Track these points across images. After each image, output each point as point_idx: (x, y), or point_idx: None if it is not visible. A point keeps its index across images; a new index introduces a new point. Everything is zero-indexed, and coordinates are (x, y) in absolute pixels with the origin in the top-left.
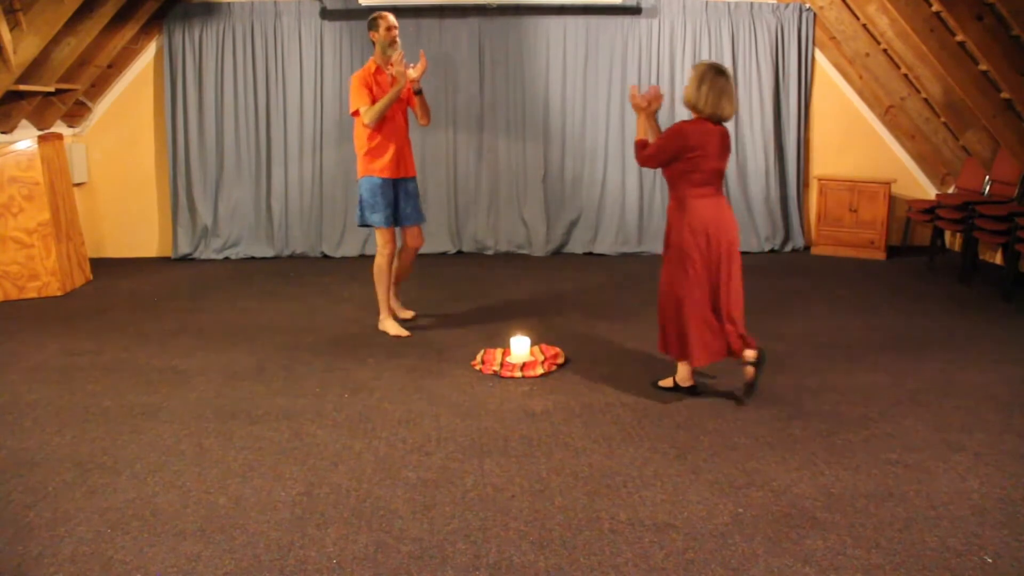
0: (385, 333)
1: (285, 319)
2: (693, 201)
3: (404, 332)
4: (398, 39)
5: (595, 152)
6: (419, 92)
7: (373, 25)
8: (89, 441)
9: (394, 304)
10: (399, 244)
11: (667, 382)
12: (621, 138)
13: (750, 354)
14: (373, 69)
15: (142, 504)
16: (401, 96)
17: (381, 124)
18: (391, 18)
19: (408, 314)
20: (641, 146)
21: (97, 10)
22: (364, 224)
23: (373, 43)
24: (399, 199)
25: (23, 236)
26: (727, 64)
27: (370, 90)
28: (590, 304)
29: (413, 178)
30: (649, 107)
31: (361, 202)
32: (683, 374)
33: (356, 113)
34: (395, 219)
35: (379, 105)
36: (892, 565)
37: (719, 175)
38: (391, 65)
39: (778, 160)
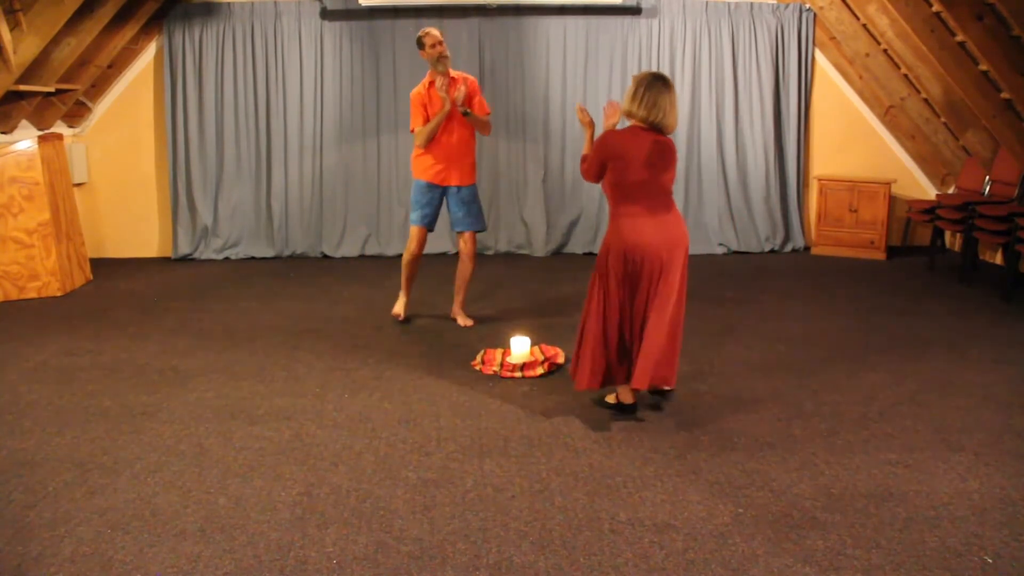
0: (397, 317)
1: (285, 319)
2: (618, 220)
3: (400, 314)
4: (447, 52)
5: None
6: (466, 114)
7: (420, 44)
8: (89, 441)
9: (456, 309)
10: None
11: (611, 398)
12: None
13: (631, 393)
14: (428, 84)
15: (142, 504)
16: (455, 106)
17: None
18: (435, 33)
19: (468, 322)
20: (583, 160)
21: (97, 10)
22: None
23: (426, 61)
24: (450, 206)
25: (23, 236)
26: (727, 64)
27: (424, 107)
28: None
29: (469, 186)
30: (608, 121)
31: (412, 200)
32: (622, 391)
33: (414, 130)
34: (432, 223)
35: (426, 131)
36: (892, 565)
37: (652, 189)
38: (436, 87)
39: (778, 160)
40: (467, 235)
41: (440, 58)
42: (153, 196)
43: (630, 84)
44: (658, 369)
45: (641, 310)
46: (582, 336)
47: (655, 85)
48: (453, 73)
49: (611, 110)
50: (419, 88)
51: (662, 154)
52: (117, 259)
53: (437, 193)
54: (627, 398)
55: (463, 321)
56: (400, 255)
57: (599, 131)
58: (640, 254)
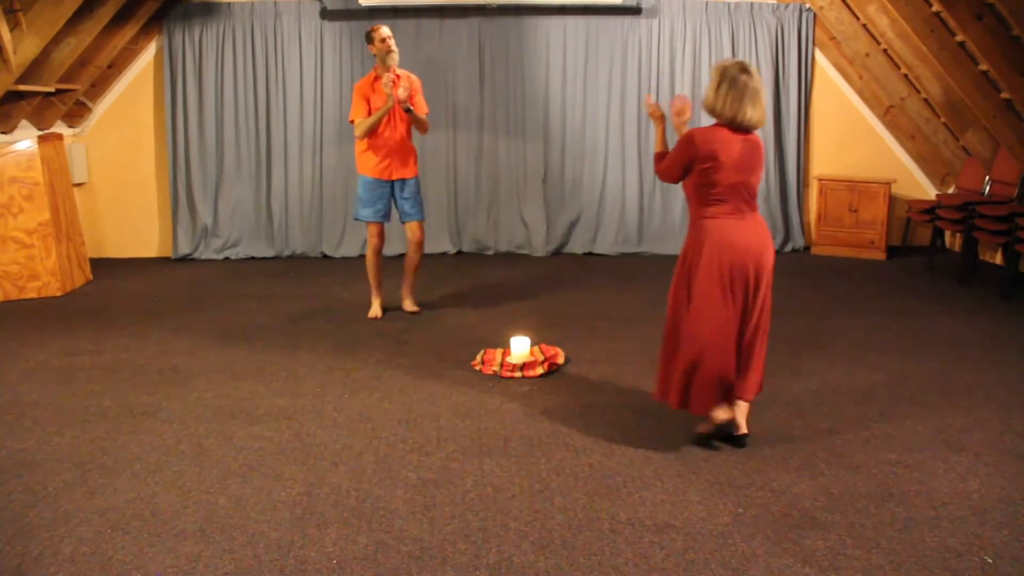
0: (376, 318)
1: (285, 319)
2: (702, 222)
3: (378, 313)
4: (394, 48)
5: (595, 152)
6: (408, 111)
7: (368, 39)
8: (89, 441)
9: (404, 295)
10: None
11: (705, 428)
12: (621, 138)
13: (733, 417)
14: (373, 78)
15: (142, 504)
16: (398, 105)
17: (375, 128)
18: (384, 30)
19: (414, 308)
20: (658, 159)
21: (97, 10)
22: (357, 218)
23: (374, 56)
24: (396, 198)
25: (23, 236)
26: None
27: (367, 100)
28: (590, 304)
29: (413, 178)
30: (680, 118)
31: (356, 198)
32: (720, 410)
33: (352, 121)
34: (387, 216)
35: (368, 122)
36: (892, 565)
37: (742, 191)
38: (383, 83)
39: (778, 160)
40: (414, 225)
41: (388, 53)
42: (153, 196)
43: (712, 75)
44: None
45: (735, 316)
46: (683, 355)
47: (740, 80)
48: (399, 70)
49: (682, 105)
50: (363, 81)
51: (756, 156)
52: (117, 259)
53: (386, 188)
54: (726, 415)
55: (410, 307)
56: (401, 255)
57: (669, 130)
58: (730, 256)
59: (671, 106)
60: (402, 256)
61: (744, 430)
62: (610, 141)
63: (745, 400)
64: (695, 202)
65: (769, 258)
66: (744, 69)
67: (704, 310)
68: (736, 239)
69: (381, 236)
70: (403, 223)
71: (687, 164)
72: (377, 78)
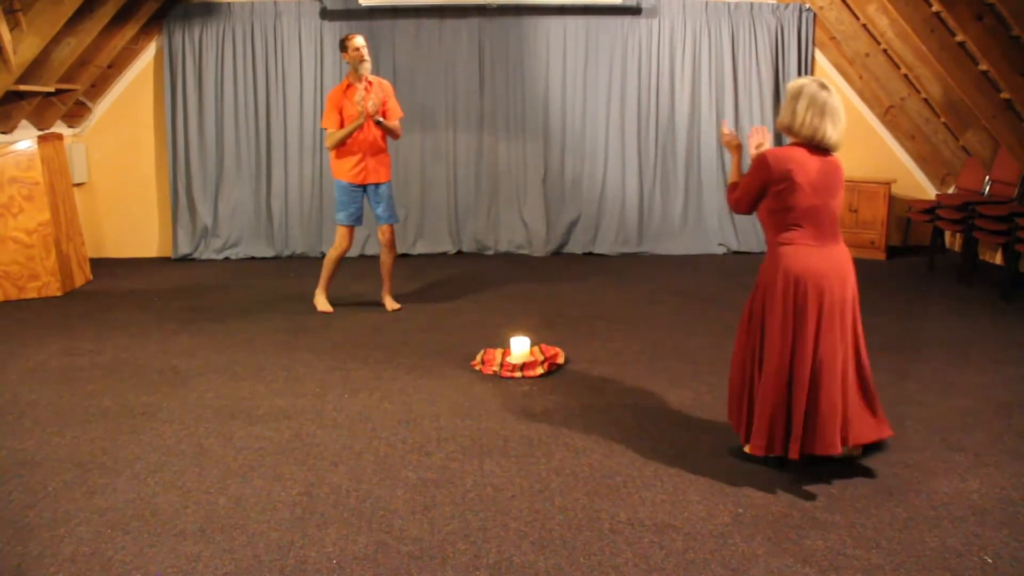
0: (318, 310)
1: (285, 319)
2: (777, 249)
3: (329, 308)
4: (367, 57)
5: (595, 152)
6: (379, 123)
7: (343, 47)
8: (89, 441)
9: (383, 295)
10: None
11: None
12: (621, 138)
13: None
14: (346, 86)
15: (142, 504)
16: (373, 111)
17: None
18: (358, 39)
19: (396, 306)
20: (731, 189)
21: (97, 10)
22: (336, 221)
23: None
24: (370, 202)
25: (23, 236)
26: (727, 64)
27: (340, 110)
28: (590, 304)
29: (386, 183)
30: (758, 151)
31: (334, 201)
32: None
33: (325, 128)
34: (360, 219)
35: (338, 136)
36: (892, 565)
37: (822, 216)
38: (356, 100)
39: None
40: (385, 228)
41: (360, 63)
42: (153, 196)
43: (788, 93)
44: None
45: (810, 352)
46: (745, 387)
47: (820, 95)
48: (371, 77)
49: (761, 137)
50: (336, 90)
51: (836, 179)
52: (117, 259)
53: (359, 192)
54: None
55: (392, 305)
56: (400, 255)
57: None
58: (805, 285)
59: (749, 139)
60: (365, 257)
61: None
62: (610, 141)
63: (860, 442)
64: (770, 228)
65: (851, 291)
66: (824, 86)
67: (771, 343)
68: (810, 265)
69: (351, 240)
70: (378, 225)
71: (761, 189)
72: (350, 86)
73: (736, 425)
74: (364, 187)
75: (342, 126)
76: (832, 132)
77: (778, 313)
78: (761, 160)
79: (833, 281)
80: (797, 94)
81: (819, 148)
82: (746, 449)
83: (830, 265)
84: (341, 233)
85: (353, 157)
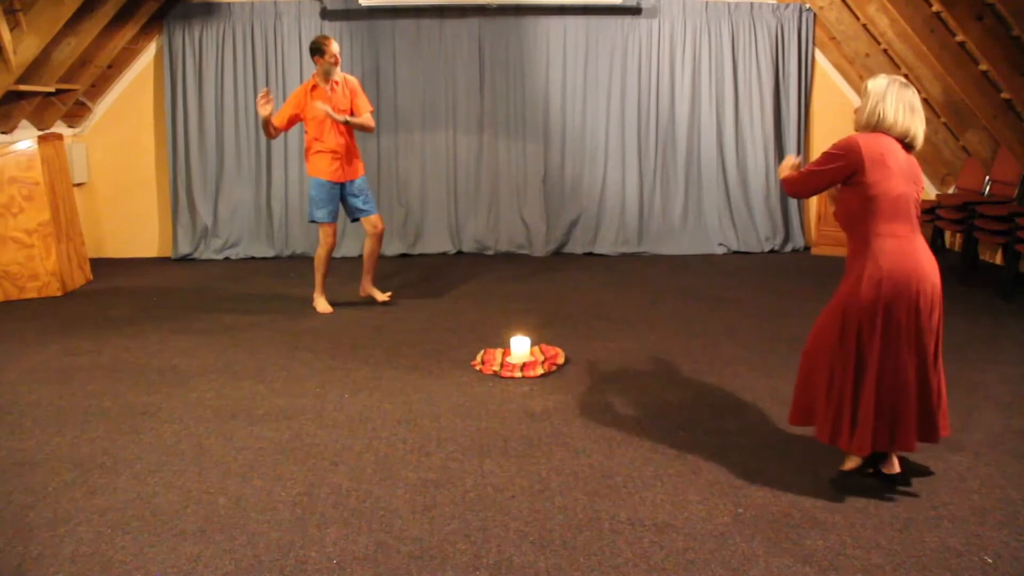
0: (319, 312)
1: (285, 319)
2: (881, 243)
3: (329, 309)
4: (339, 61)
5: (595, 152)
6: (347, 123)
7: (319, 51)
8: (89, 441)
9: (370, 287)
10: (341, 235)
11: (851, 463)
12: (621, 138)
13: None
14: (311, 87)
15: (142, 504)
16: (341, 109)
17: (320, 133)
18: (335, 45)
19: (384, 296)
20: (791, 180)
21: (97, 10)
22: (312, 220)
23: (316, 64)
24: (347, 198)
25: (23, 236)
26: (727, 64)
27: (300, 109)
28: (590, 304)
29: (360, 177)
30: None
31: (310, 199)
32: (891, 462)
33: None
34: (337, 216)
35: (264, 132)
36: (892, 565)
37: (911, 206)
38: (321, 111)
39: (778, 160)
40: (373, 218)
41: (333, 67)
42: (153, 196)
43: (870, 90)
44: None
45: (906, 358)
46: (829, 385)
47: (907, 93)
48: (336, 75)
49: (796, 159)
50: (302, 89)
51: (916, 173)
52: (117, 259)
53: (337, 189)
54: (895, 468)
55: (381, 296)
56: (400, 255)
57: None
58: (907, 282)
59: (782, 164)
60: (350, 258)
61: (896, 469)
62: (610, 141)
63: (935, 440)
64: (868, 221)
65: (939, 291)
66: (906, 84)
67: (864, 344)
68: (920, 264)
69: (335, 236)
70: (358, 219)
71: (842, 176)
72: (316, 87)
73: (835, 437)
74: (341, 184)
75: (289, 125)
76: (919, 131)
77: (864, 316)
78: (849, 144)
79: (934, 278)
80: (884, 90)
81: (906, 146)
82: (850, 464)
83: (919, 264)
84: (325, 231)
85: (328, 155)
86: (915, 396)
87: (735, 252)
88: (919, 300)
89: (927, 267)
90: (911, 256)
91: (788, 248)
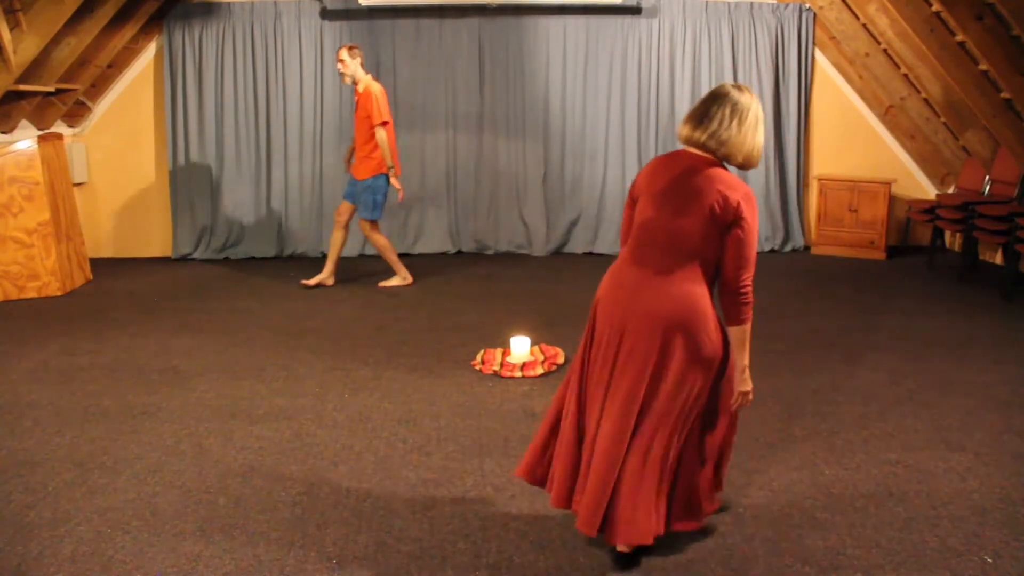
0: (393, 287)
1: (285, 319)
2: (615, 263)
3: (410, 278)
4: (342, 70)
5: (595, 152)
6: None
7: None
8: (89, 441)
9: (328, 275)
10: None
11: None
12: (621, 138)
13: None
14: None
15: (142, 504)
16: (361, 118)
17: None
18: (340, 52)
19: (329, 282)
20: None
21: (97, 10)
22: (375, 219)
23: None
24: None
25: (23, 236)
26: (727, 64)
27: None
28: (590, 304)
29: (360, 180)
30: None
31: (377, 201)
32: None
33: (386, 123)
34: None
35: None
36: (892, 565)
37: (654, 233)
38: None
39: (778, 160)
40: (352, 207)
41: (341, 76)
42: (153, 196)
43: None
44: (624, 514)
45: (591, 406)
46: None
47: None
48: (359, 82)
49: None
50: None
51: (687, 188)
52: (117, 259)
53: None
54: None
55: (323, 280)
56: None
57: None
58: (610, 312)
59: None
60: (365, 256)
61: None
62: (610, 141)
63: (579, 528)
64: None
65: (665, 340)
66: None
67: (573, 364)
68: (623, 296)
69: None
70: (345, 200)
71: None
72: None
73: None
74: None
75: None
76: (683, 128)
77: (585, 337)
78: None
79: (628, 319)
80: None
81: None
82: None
83: (633, 299)
84: (377, 226)
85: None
86: (572, 443)
87: None
88: (615, 340)
89: (640, 312)
90: (622, 287)
91: (788, 248)
